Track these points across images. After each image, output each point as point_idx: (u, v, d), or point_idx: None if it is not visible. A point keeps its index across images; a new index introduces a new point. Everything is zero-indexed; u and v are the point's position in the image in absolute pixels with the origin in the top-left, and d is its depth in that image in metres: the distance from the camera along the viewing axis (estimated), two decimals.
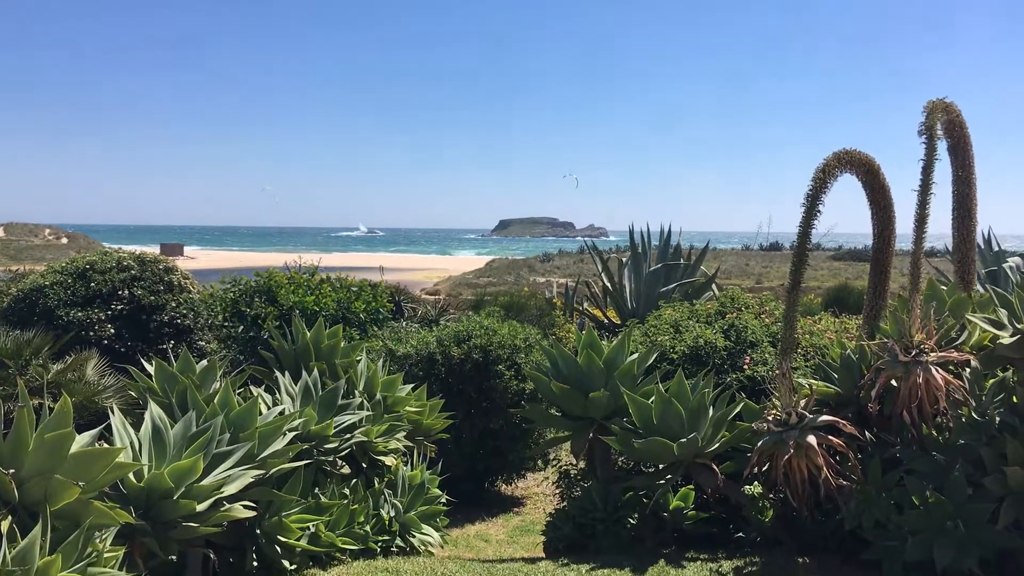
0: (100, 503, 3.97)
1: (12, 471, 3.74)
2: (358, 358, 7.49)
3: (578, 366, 6.87)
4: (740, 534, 6.51)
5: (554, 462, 8.66)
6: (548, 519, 6.99)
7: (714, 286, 16.54)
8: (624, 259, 18.24)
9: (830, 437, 5.72)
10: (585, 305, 19.15)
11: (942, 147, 6.44)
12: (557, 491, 7.95)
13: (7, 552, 3.36)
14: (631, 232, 17.69)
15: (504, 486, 10.53)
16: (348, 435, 6.50)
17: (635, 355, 6.96)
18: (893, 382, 5.83)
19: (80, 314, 10.52)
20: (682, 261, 17.31)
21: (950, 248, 7.29)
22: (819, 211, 6.18)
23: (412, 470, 6.98)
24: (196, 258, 73.64)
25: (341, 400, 6.62)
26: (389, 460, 6.90)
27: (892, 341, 5.93)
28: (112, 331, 10.59)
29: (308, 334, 7.54)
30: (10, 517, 3.62)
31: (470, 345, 9.40)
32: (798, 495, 5.78)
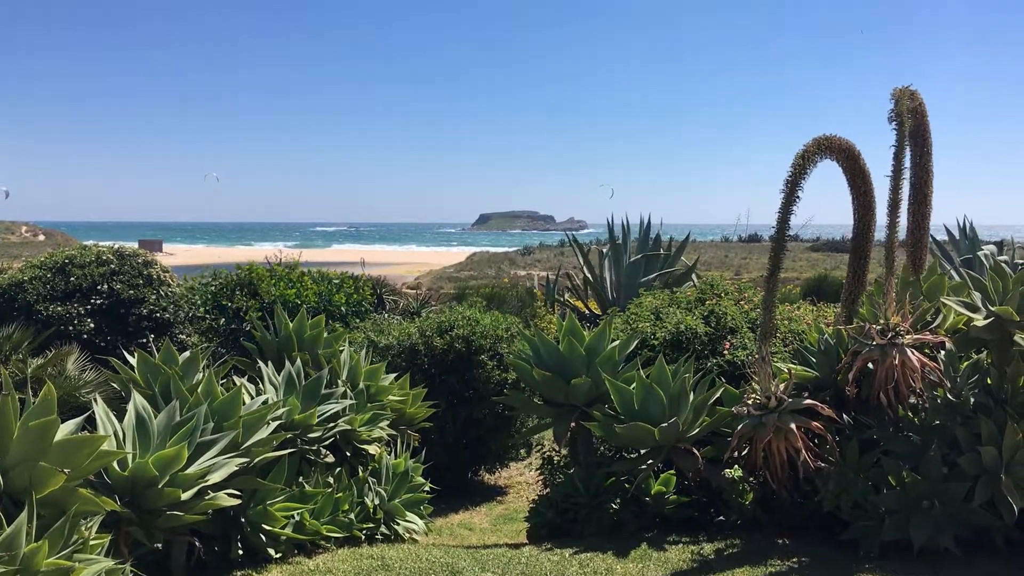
0: (85, 491, 3.99)
1: None
2: (340, 348, 7.51)
3: (560, 353, 6.92)
4: (721, 517, 6.58)
5: (537, 449, 8.71)
6: (531, 505, 7.04)
7: (694, 276, 16.65)
8: (604, 250, 18.33)
9: (809, 420, 5.81)
10: (566, 296, 19.24)
11: None
12: (540, 478, 8.00)
13: None
14: (610, 224, 17.78)
15: (487, 475, 10.57)
16: (332, 424, 6.53)
17: (616, 342, 7.02)
18: (870, 365, 5.93)
19: (60, 309, 10.45)
20: (662, 252, 17.42)
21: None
22: (798, 197, 6.24)
23: (396, 458, 7.00)
24: (175, 254, 73.09)
25: (324, 389, 6.64)
26: (373, 449, 6.92)
27: (869, 324, 6.02)
28: (92, 325, 10.53)
29: (290, 325, 7.55)
30: None
31: (452, 335, 9.42)
32: (777, 477, 5.87)
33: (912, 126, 6.52)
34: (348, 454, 6.83)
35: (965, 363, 6.16)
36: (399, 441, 7.29)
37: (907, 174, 6.50)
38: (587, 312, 16.75)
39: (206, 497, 4.88)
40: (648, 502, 6.64)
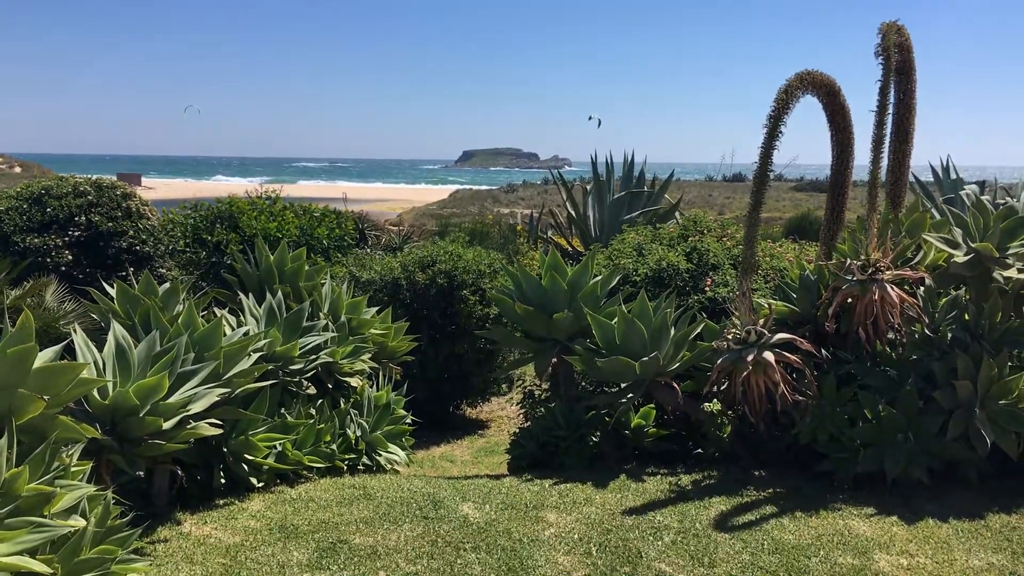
0: (66, 418, 3.98)
1: None
2: (322, 281, 7.48)
3: (542, 288, 6.92)
4: (699, 450, 6.67)
5: (518, 384, 8.77)
6: (512, 438, 7.11)
7: (677, 214, 16.64)
8: (588, 188, 18.26)
9: (787, 354, 5.86)
10: (549, 234, 19.21)
11: None
12: (521, 412, 8.07)
13: None
14: (594, 161, 17.67)
15: (469, 409, 10.66)
16: (313, 356, 6.53)
17: (598, 277, 7.02)
18: (849, 300, 5.97)
19: (37, 240, 10.32)
20: (646, 189, 17.37)
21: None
22: (781, 132, 6.20)
23: (378, 391, 7.04)
24: (154, 188, 72.13)
25: (306, 322, 6.63)
26: (355, 381, 6.95)
27: (849, 260, 6.05)
28: (70, 257, 10.42)
29: (271, 257, 7.50)
30: None
31: (435, 270, 9.40)
32: (755, 411, 5.94)
33: (898, 61, 6.47)
34: (330, 386, 6.84)
35: (944, 299, 6.21)
36: (381, 374, 7.31)
37: (892, 110, 6.47)
38: (570, 249, 16.75)
39: (188, 426, 4.89)
40: (628, 435, 6.72)
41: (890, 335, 6.04)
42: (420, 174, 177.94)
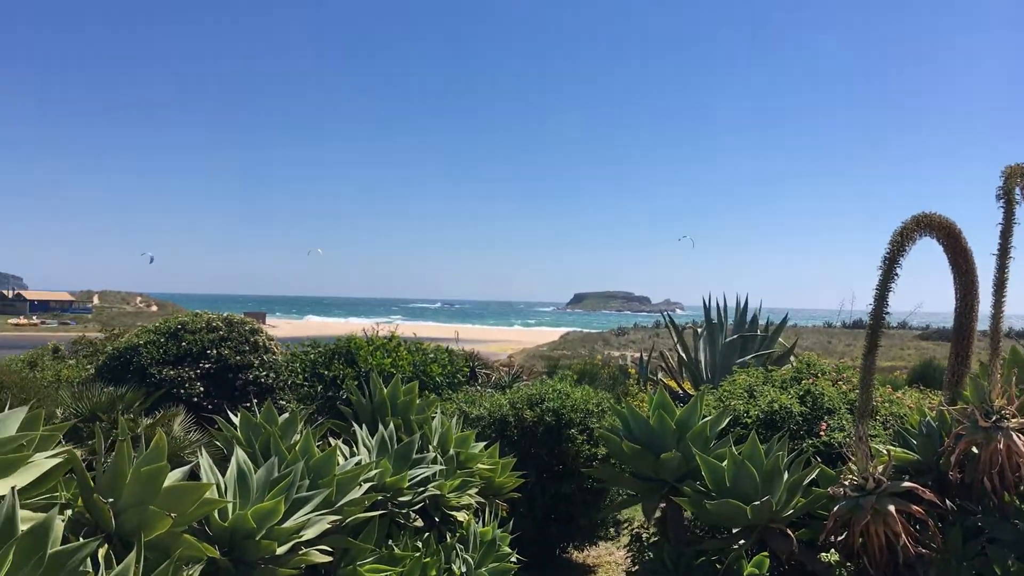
0: (190, 537, 4.17)
1: (111, 500, 3.97)
2: (433, 415, 7.65)
3: (649, 427, 6.90)
4: None
5: (626, 526, 8.60)
6: None
7: (792, 358, 16.31)
8: (700, 330, 18.18)
9: (909, 504, 5.62)
10: (660, 376, 19.07)
11: (1021, 211, 6.39)
12: (628, 556, 7.89)
13: None
14: (706, 304, 17.67)
15: (576, 552, 10.44)
16: (422, 488, 6.62)
17: (708, 417, 6.97)
18: (973, 448, 5.74)
19: (171, 372, 10.94)
20: (759, 333, 17.17)
21: None
22: (896, 274, 6.17)
23: (484, 527, 7.03)
24: (278, 327, 75.26)
25: (416, 454, 6.76)
26: (461, 515, 6.97)
27: (972, 407, 5.84)
28: (201, 389, 10.97)
29: (385, 390, 7.75)
30: (106, 545, 3.82)
31: (543, 408, 9.46)
32: (876, 563, 5.67)
33: None
34: (437, 519, 6.89)
35: None
36: (487, 509, 7.32)
37: (1014, 253, 6.33)
38: (681, 391, 16.56)
39: (300, 552, 5.01)
40: None
41: (1019, 486, 5.73)
42: (532, 316, 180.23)
